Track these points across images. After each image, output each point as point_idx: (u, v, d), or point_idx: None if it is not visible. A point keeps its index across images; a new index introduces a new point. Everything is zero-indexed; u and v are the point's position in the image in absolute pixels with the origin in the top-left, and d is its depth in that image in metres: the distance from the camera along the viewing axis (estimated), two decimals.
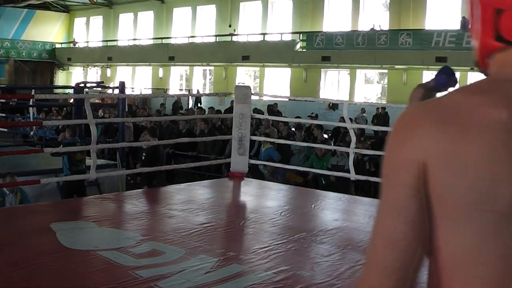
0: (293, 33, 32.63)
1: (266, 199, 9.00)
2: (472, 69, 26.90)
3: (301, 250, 5.86)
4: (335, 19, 32.43)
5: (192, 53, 35.01)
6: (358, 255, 5.76)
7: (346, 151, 9.23)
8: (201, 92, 34.53)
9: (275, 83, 34.51)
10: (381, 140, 14.79)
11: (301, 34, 31.62)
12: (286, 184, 10.59)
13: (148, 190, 10.21)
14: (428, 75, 29.01)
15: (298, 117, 15.94)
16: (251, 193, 9.27)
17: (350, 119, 11.42)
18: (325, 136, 15.41)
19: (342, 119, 11.76)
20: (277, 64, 32.73)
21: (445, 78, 5.85)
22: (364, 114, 24.55)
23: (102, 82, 25.14)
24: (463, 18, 27.30)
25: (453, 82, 5.86)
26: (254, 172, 11.64)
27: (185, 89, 37.69)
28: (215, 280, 4.67)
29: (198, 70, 38.34)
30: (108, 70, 41.95)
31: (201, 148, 14.53)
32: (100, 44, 42.67)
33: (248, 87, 9.96)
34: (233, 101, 11.42)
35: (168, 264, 5.07)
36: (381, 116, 23.58)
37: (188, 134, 14.67)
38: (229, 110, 16.52)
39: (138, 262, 5.12)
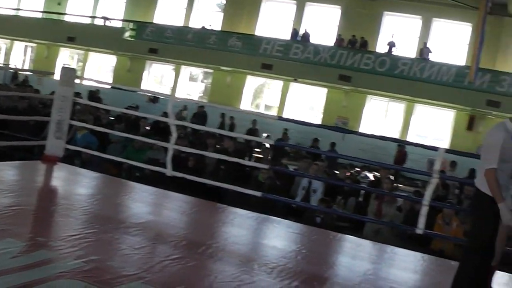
0: (123, 20, 32.17)
1: (79, 186, 8.82)
2: (295, 80, 27.98)
3: (112, 241, 5.81)
4: (168, 12, 32.37)
5: (15, 26, 33.41)
6: (169, 249, 5.82)
7: (165, 146, 9.24)
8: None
9: (98, 69, 33.86)
10: (199, 138, 14.98)
11: (131, 23, 31.24)
12: (101, 173, 10.42)
13: None
14: (252, 80, 29.77)
15: (131, 106, 15.73)
16: (64, 178, 9.03)
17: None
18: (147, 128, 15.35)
19: (165, 114, 11.77)
20: (103, 49, 32.10)
21: None
22: (185, 111, 24.73)
23: None
24: (294, 29, 28.31)
25: None
26: (68, 158, 11.33)
27: (3, 63, 35.89)
28: (21, 266, 4.52)
29: (19, 45, 36.66)
30: None
31: (15, 127, 13.91)
32: None
33: (74, 70, 9.70)
34: (52, 82, 11.06)
35: None
36: (200, 115, 23.85)
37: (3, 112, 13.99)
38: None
39: None
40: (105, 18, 32.60)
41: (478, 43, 15.53)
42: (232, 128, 23.74)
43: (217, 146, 13.18)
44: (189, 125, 16.04)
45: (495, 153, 5.24)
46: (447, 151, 7.85)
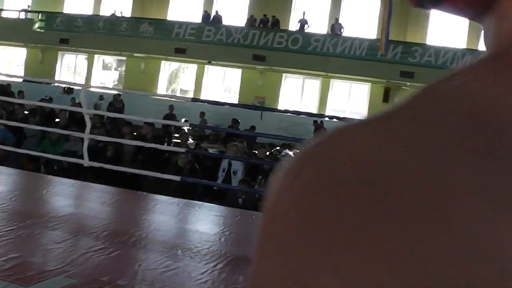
0: (31, 11, 31.39)
1: None
2: (209, 63, 27.96)
3: (32, 237, 5.73)
4: (77, 1, 31.77)
5: None
6: (91, 241, 5.78)
7: (81, 136, 9.13)
8: None
9: (9, 63, 33.00)
10: (115, 126, 14.84)
11: (40, 14, 30.52)
12: (18, 169, 10.22)
13: None
14: (166, 66, 29.61)
15: (44, 99, 15.40)
16: None
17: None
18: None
19: (78, 104, 11.61)
20: (12, 42, 31.25)
21: None
22: (101, 101, 24.38)
23: None
24: (205, 12, 28.25)
25: None
26: None
27: None
28: None
29: None
30: None
31: None
32: None
33: None
34: None
35: None
36: (116, 103, 23.56)
37: None
38: None
39: None
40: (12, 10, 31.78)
41: (386, 16, 15.84)
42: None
43: (134, 133, 13.08)
44: (104, 113, 15.84)
45: None
46: None
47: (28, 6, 30.90)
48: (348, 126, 0.39)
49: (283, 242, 0.36)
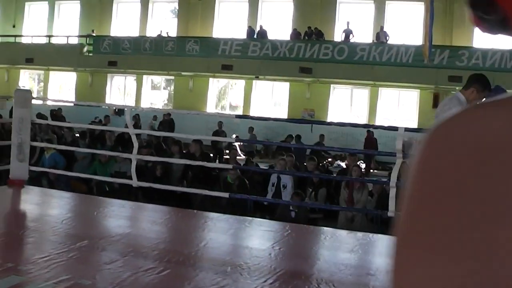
0: (79, 36, 31.95)
1: (47, 207, 8.75)
2: (257, 78, 28.03)
3: (82, 258, 5.78)
4: (123, 24, 32.24)
5: None
6: (141, 261, 5.80)
7: (128, 157, 9.21)
8: None
9: (60, 87, 33.62)
10: (163, 146, 14.94)
11: (88, 38, 31.06)
12: (70, 192, 10.36)
13: None
14: (214, 83, 29.79)
15: (94, 121, 15.63)
16: (31, 201, 8.96)
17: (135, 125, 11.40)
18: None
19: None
20: (62, 68, 31.84)
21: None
22: (154, 121, 24.65)
23: None
24: (250, 27, 28.37)
25: None
26: (36, 180, 11.25)
27: None
28: None
29: None
30: None
31: None
32: None
33: (29, 91, 9.64)
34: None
35: None
36: (166, 122, 23.78)
37: None
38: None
39: None
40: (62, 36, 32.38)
41: (429, 20, 15.61)
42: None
43: (183, 151, 13.15)
44: (151, 132, 15.97)
45: None
46: (407, 129, 7.90)
47: (93, 31, 31.32)
48: (473, 108, 0.51)
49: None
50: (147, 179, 9.46)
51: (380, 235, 8.08)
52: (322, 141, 22.33)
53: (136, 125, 15.44)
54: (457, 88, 24.72)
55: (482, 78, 5.77)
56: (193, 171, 11.71)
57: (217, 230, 7.87)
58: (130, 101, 31.08)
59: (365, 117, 27.69)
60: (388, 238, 7.93)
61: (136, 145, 8.89)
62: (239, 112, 29.02)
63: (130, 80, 32.13)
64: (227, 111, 29.81)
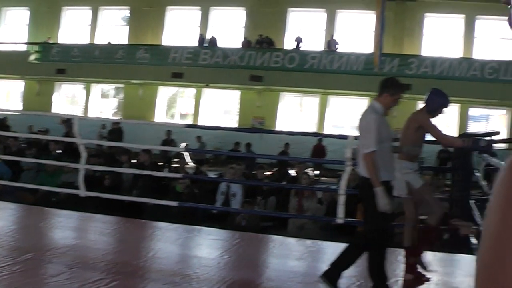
0: (28, 43, 31.43)
1: None
2: (207, 86, 27.97)
3: (28, 272, 5.66)
4: (72, 31, 31.85)
5: None
6: (89, 273, 5.72)
7: (76, 167, 9.09)
8: None
9: (7, 96, 33.06)
10: (111, 155, 14.78)
11: (36, 45, 30.56)
12: (16, 203, 10.16)
13: None
14: (164, 91, 29.65)
15: (40, 131, 15.36)
16: None
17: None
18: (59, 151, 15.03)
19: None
20: (9, 75, 31.25)
21: (439, 99, 6.36)
22: (103, 130, 24.38)
23: None
24: (201, 35, 28.31)
25: (447, 102, 6.39)
26: None
27: None
28: None
29: None
30: None
31: None
32: None
33: None
34: None
35: None
36: (115, 131, 23.53)
37: None
38: None
39: None
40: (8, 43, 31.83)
41: (380, 30, 15.84)
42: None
43: (132, 161, 13.04)
44: (99, 142, 15.82)
45: (372, 136, 5.40)
46: (356, 138, 7.97)
47: (49, 38, 30.77)
48: None
49: None
50: (96, 189, 9.34)
51: (329, 242, 8.13)
52: (287, 149, 22.45)
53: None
54: (405, 95, 25.11)
55: (392, 82, 5.79)
56: (143, 181, 11.62)
57: (166, 240, 7.82)
58: (79, 110, 30.70)
59: (315, 124, 27.85)
60: (337, 245, 7.98)
61: (84, 154, 8.78)
62: (189, 120, 28.93)
63: (79, 89, 31.77)
64: (177, 120, 29.68)
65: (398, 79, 5.90)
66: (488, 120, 26.66)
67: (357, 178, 6.70)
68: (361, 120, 5.68)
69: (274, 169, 17.01)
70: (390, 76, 6.21)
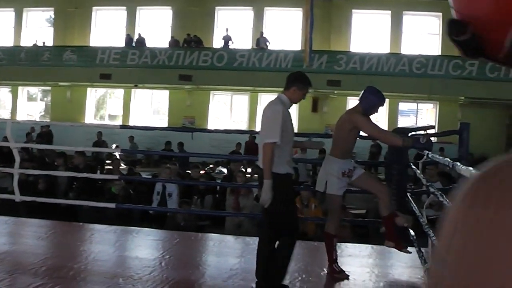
0: None
1: None
2: (136, 86, 27.75)
3: None
4: None
5: None
6: (30, 278, 5.67)
7: (10, 172, 8.95)
8: None
9: None
10: (43, 159, 14.57)
11: None
12: None
13: None
14: (93, 92, 29.28)
15: None
16: None
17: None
18: None
19: (6, 139, 11.37)
20: None
21: (375, 98, 6.31)
22: (32, 133, 23.95)
23: None
24: (128, 35, 28.03)
25: (383, 100, 6.35)
26: None
27: None
28: None
29: None
30: None
31: None
32: None
33: None
34: None
35: None
36: (45, 134, 23.17)
37: None
38: None
39: None
40: None
41: (309, 27, 16.07)
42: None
43: (67, 164, 12.89)
44: (32, 146, 15.57)
45: (276, 127, 5.42)
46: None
47: None
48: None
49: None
50: (30, 193, 9.21)
51: None
52: (238, 149, 22.50)
53: None
54: (335, 92, 25.53)
55: (300, 76, 5.87)
56: (78, 183, 11.51)
57: (106, 242, 7.78)
58: (5, 114, 30.05)
59: (245, 122, 28.01)
60: None
61: (18, 159, 8.65)
62: (119, 121, 28.68)
63: (4, 92, 31.08)
64: (106, 121, 29.38)
65: (305, 73, 5.96)
66: (417, 114, 27.32)
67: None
68: (266, 110, 5.70)
69: (208, 168, 17.09)
70: (296, 71, 6.25)
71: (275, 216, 5.57)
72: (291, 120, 5.71)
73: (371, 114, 6.30)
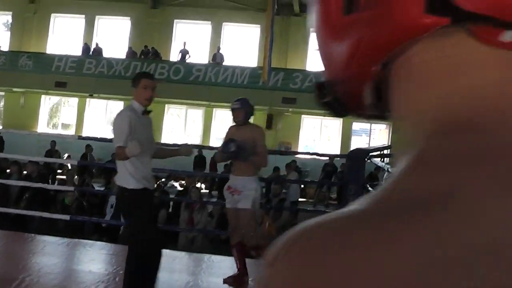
0: None
1: None
2: (91, 96, 27.48)
3: None
4: None
5: None
6: None
7: None
8: None
9: None
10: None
11: None
12: None
13: None
14: (47, 100, 28.92)
15: None
16: None
17: None
18: None
19: None
20: None
21: (250, 108, 6.32)
22: None
23: None
24: (85, 44, 27.82)
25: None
26: None
27: None
28: None
29: None
30: None
31: None
32: None
33: None
34: None
35: None
36: None
37: None
38: None
39: None
40: None
41: (269, 44, 16.12)
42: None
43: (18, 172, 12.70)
44: None
45: (124, 132, 5.31)
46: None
47: None
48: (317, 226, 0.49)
49: None
50: None
51: (221, 257, 8.22)
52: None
53: None
54: (290, 109, 25.70)
55: (135, 76, 5.86)
56: (30, 193, 11.34)
57: (58, 255, 7.68)
58: None
59: (199, 136, 27.97)
60: (229, 259, 8.08)
61: None
62: (72, 130, 28.37)
63: None
64: (59, 130, 29.03)
65: (141, 72, 5.93)
66: (370, 134, 27.61)
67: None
68: (116, 118, 5.62)
69: (160, 181, 16.99)
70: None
71: (130, 232, 5.50)
72: (146, 127, 5.65)
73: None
